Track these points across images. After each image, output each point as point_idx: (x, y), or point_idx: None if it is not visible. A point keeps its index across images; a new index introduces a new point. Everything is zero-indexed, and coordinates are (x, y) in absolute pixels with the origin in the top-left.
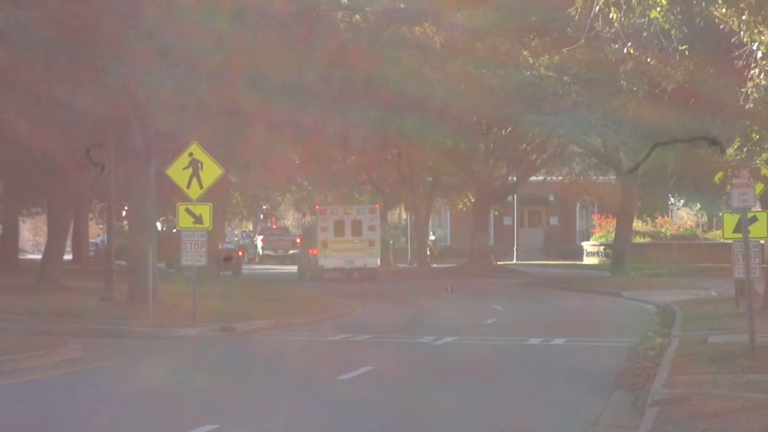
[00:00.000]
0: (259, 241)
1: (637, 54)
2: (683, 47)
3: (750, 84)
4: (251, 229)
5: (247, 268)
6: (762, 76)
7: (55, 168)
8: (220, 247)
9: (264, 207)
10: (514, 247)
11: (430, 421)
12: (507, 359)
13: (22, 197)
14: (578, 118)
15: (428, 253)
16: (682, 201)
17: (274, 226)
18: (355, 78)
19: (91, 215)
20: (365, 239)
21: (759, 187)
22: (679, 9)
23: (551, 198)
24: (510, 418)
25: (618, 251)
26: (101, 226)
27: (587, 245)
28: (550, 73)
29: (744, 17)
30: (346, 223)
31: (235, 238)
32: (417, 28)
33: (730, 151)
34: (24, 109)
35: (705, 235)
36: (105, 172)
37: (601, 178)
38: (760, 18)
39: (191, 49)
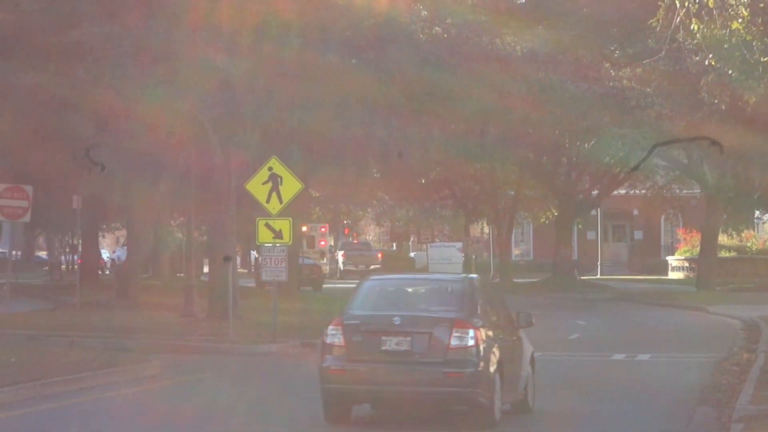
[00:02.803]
0: (340, 256)
1: (718, 66)
2: (765, 59)
3: None
4: (332, 244)
5: (328, 284)
6: None
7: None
8: (300, 262)
9: (345, 222)
10: (598, 262)
11: None
12: (590, 375)
13: (101, 212)
14: (661, 131)
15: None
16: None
17: (356, 241)
18: (436, 92)
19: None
20: (317, 251)
21: None
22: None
23: (635, 212)
24: None
25: (703, 266)
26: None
27: (672, 260)
28: (633, 85)
29: None
30: (303, 238)
31: None
32: (498, 41)
33: None
34: (102, 124)
35: None
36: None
37: (684, 191)
38: None
39: (272, 65)
